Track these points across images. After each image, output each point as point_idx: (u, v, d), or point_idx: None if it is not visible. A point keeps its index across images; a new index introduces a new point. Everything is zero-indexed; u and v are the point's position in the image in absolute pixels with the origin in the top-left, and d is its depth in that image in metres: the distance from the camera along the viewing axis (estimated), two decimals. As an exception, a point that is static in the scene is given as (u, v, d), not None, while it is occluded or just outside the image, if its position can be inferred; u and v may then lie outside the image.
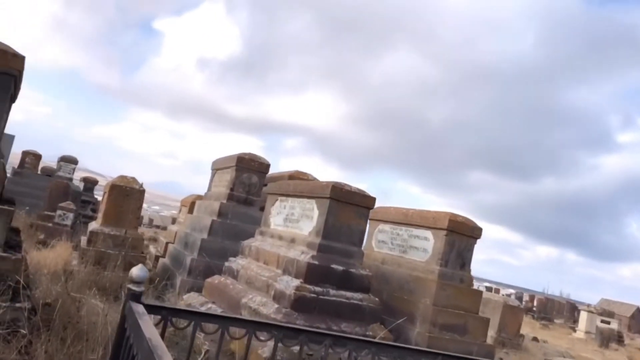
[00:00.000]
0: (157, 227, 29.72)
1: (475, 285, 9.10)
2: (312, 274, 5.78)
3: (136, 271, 2.64)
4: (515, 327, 12.79)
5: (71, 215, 12.33)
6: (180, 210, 16.14)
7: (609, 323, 25.86)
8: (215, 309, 6.32)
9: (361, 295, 6.09)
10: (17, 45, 4.47)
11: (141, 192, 9.03)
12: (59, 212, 12.23)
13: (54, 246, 8.93)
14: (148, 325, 2.26)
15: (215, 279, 7.10)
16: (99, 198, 16.82)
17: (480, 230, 7.47)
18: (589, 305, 30.89)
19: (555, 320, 29.89)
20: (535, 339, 15.73)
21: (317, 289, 5.75)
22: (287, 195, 7.09)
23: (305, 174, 10.42)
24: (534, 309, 32.61)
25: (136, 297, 2.61)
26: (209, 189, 11.02)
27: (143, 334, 2.12)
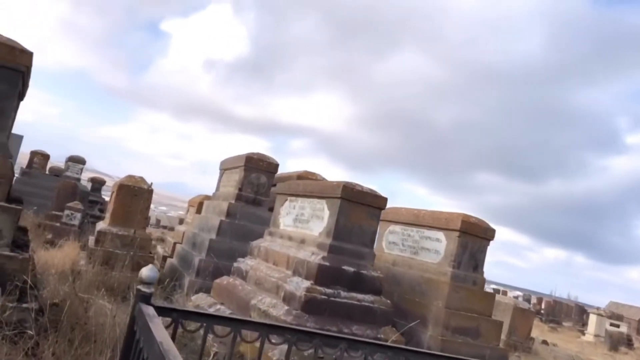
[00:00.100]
0: (164, 227, 29.73)
1: (484, 287, 8.96)
2: (323, 275, 5.68)
3: (146, 272, 2.54)
4: (526, 330, 12.63)
5: (79, 215, 12.31)
6: (187, 211, 16.09)
7: (618, 326, 25.59)
8: (224, 310, 6.23)
9: (372, 297, 5.98)
10: (25, 44, 4.41)
11: (149, 192, 8.97)
12: (66, 212, 12.21)
13: (62, 246, 8.90)
14: (159, 328, 2.17)
15: (224, 280, 7.02)
16: (107, 198, 16.81)
17: (493, 231, 7.35)
18: (598, 309, 30.62)
19: (564, 323, 29.64)
20: (544, 342, 15.57)
21: (328, 290, 5.65)
22: (297, 196, 7.00)
23: (314, 174, 10.33)
24: (542, 311, 32.37)
25: (146, 298, 2.51)
26: (217, 189, 10.95)
27: (154, 337, 2.03)
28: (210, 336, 4.55)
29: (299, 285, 5.63)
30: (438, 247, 7.28)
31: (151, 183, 9.04)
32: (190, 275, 8.31)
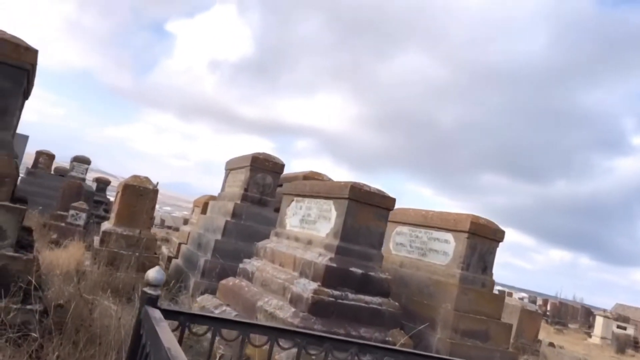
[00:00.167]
0: (169, 227, 29.75)
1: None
2: (330, 277, 5.60)
3: (153, 274, 2.46)
4: (533, 333, 12.52)
5: (84, 215, 12.28)
6: (192, 211, 16.05)
7: (625, 329, 25.41)
8: (230, 312, 6.16)
9: (380, 299, 5.89)
10: (30, 43, 4.35)
11: (155, 192, 8.90)
12: (71, 212, 12.18)
13: (67, 246, 8.85)
14: (166, 332, 2.09)
15: (230, 281, 6.94)
16: (112, 198, 16.79)
17: (502, 233, 7.25)
18: (604, 311, 30.40)
19: (570, 325, 29.45)
20: (551, 344, 15.44)
21: (336, 292, 5.56)
22: (303, 196, 6.92)
23: (320, 174, 10.25)
24: (548, 313, 32.19)
25: (153, 301, 2.43)
26: (223, 189, 10.89)
27: (161, 342, 1.96)
28: (216, 338, 4.48)
29: (306, 287, 5.54)
30: (446, 248, 7.18)
31: (157, 183, 8.97)
32: (196, 276, 8.24)
